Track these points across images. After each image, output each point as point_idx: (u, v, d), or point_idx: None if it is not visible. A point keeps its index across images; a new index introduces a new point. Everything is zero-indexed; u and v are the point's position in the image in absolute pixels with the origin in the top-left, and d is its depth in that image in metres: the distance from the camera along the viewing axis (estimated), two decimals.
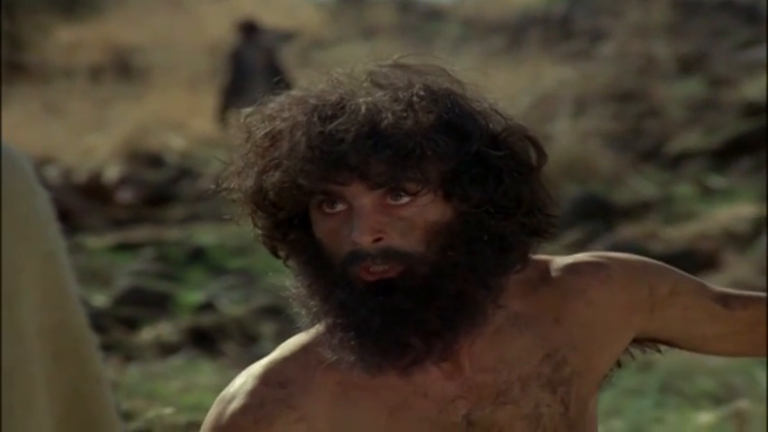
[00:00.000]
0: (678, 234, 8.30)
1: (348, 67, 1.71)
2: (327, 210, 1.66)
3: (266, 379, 1.72)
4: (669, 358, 5.02)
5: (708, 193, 9.35)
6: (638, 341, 1.80)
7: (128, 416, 4.98)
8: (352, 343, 1.65)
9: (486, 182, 1.66)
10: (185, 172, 11.45)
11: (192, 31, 16.93)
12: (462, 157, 1.65)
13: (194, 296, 7.45)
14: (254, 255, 8.21)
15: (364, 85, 1.68)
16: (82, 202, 10.03)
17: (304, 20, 17.93)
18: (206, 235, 8.91)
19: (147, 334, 6.72)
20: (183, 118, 13.02)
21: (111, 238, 9.03)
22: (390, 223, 1.65)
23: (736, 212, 8.42)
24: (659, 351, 1.82)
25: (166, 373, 6.07)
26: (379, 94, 1.66)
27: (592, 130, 10.60)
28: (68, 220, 8.97)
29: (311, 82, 1.70)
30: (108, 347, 6.17)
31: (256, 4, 17.34)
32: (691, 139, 10.61)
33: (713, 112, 11.48)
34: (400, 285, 1.64)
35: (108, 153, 11.85)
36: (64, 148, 11.80)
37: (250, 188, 1.69)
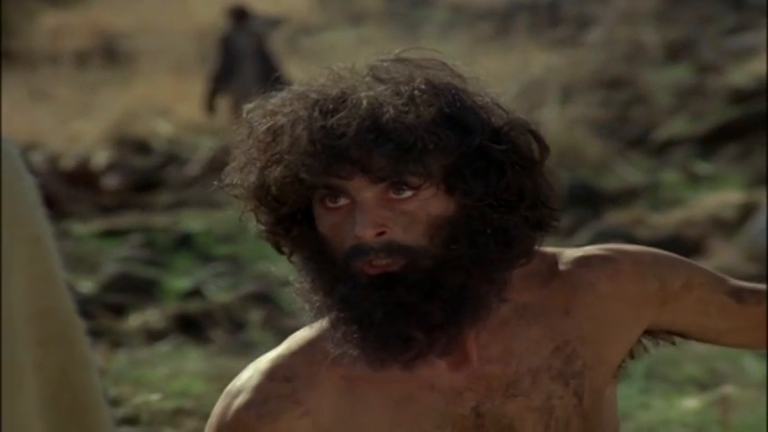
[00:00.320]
0: (665, 220, 8.32)
1: (348, 62, 1.71)
2: (330, 204, 1.67)
3: (272, 374, 1.72)
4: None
5: (694, 180, 9.37)
6: (652, 333, 1.80)
7: (115, 402, 4.98)
8: (355, 337, 1.65)
9: (489, 175, 1.66)
10: (173, 158, 11.44)
11: (179, 17, 16.89)
12: (464, 150, 1.65)
13: (181, 282, 7.45)
14: (242, 241, 8.21)
15: (366, 79, 1.68)
16: (68, 189, 10.02)
17: (291, 6, 17.90)
18: (193, 221, 8.91)
19: (135, 320, 6.72)
20: (170, 104, 13.00)
21: (98, 225, 9.02)
22: (393, 217, 1.65)
23: (723, 199, 8.44)
24: (673, 343, 1.82)
25: (153, 359, 6.07)
26: (381, 88, 1.66)
27: (579, 117, 10.61)
28: (55, 207, 8.96)
29: (312, 77, 1.70)
30: (95, 334, 6.17)
31: None
32: (678, 126, 10.62)
33: (700, 98, 11.49)
34: (403, 279, 1.65)
35: (95, 139, 11.83)
36: (50, 133, 11.78)
37: (252, 183, 1.69)
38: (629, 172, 9.61)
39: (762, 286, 1.82)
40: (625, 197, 8.96)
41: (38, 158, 10.59)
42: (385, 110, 1.64)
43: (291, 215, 1.70)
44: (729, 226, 8.01)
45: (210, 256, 8.15)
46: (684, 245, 7.62)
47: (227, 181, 1.73)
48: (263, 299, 6.90)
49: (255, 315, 6.65)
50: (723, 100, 11.13)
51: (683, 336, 1.81)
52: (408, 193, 1.65)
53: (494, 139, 1.67)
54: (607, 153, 9.97)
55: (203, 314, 6.73)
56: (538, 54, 13.30)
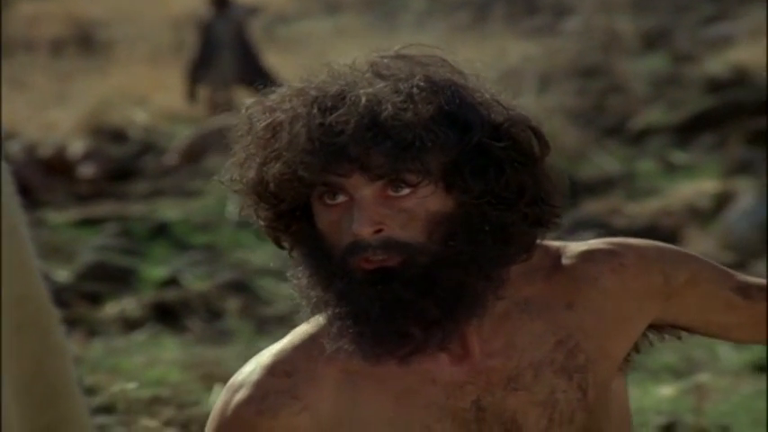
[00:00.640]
0: (641, 210, 8.34)
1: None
2: (328, 201, 1.67)
3: (273, 368, 1.73)
4: None
5: (670, 169, 9.40)
6: (658, 327, 1.79)
7: (91, 390, 4.97)
8: (351, 332, 1.66)
9: (488, 173, 1.66)
10: (149, 147, 11.40)
11: (156, 5, 16.83)
12: (463, 148, 1.65)
13: (158, 271, 7.43)
14: (219, 230, 8.20)
15: (366, 75, 1.68)
16: (44, 177, 9.98)
17: None
18: (170, 210, 8.89)
19: (111, 309, 6.70)
20: (146, 92, 12.96)
21: (74, 213, 8.99)
22: (391, 215, 1.65)
23: (699, 188, 8.46)
24: (679, 337, 1.81)
25: (130, 347, 6.06)
26: (380, 85, 1.66)
27: (556, 106, 10.62)
28: (31, 195, 8.93)
29: (312, 73, 1.70)
30: (71, 322, 6.15)
31: None
32: (654, 115, 10.65)
33: (676, 87, 11.52)
34: (400, 275, 1.65)
35: (71, 128, 11.78)
36: (26, 122, 11.72)
37: (251, 179, 1.69)
38: (605, 161, 9.63)
39: None
40: (601, 186, 8.98)
41: (14, 147, 10.54)
42: (383, 107, 1.64)
43: (290, 211, 1.71)
44: (705, 215, 8.04)
45: (187, 245, 8.13)
46: (660, 234, 7.64)
47: (227, 176, 1.72)
48: (240, 287, 6.90)
49: (232, 304, 6.65)
50: (699, 89, 11.16)
51: (689, 330, 1.81)
52: (406, 191, 1.66)
53: (493, 136, 1.67)
54: (583, 142, 9.98)
55: (180, 303, 6.72)
56: (514, 43, 13.31)
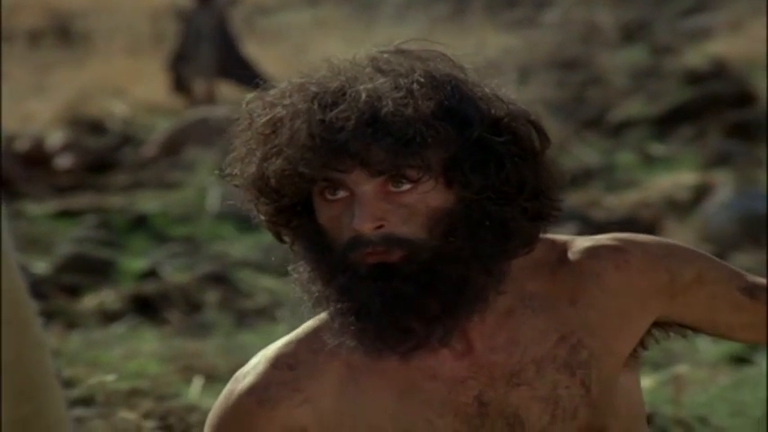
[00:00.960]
0: (620, 202, 8.36)
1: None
2: (329, 196, 1.68)
3: (277, 361, 1.75)
4: None
5: (649, 161, 9.42)
6: (664, 325, 1.79)
7: (69, 383, 4.96)
8: (353, 327, 1.67)
9: (488, 168, 1.66)
10: (128, 138, 11.38)
11: None
12: (463, 143, 1.66)
13: (137, 263, 7.42)
14: (198, 222, 8.19)
15: (366, 71, 1.68)
16: (23, 169, 9.95)
17: None
18: (149, 202, 8.86)
19: (90, 301, 6.68)
20: (125, 84, 12.92)
21: (52, 205, 8.96)
22: (392, 210, 1.66)
23: (678, 180, 8.48)
24: (685, 336, 1.81)
25: (109, 340, 6.05)
26: (381, 80, 1.67)
27: (535, 98, 10.63)
28: (9, 187, 8.90)
29: (313, 68, 1.71)
30: (50, 315, 6.14)
31: None
32: (633, 108, 10.67)
33: (656, 80, 11.55)
34: (401, 270, 1.66)
35: (49, 119, 11.75)
36: (4, 114, 11.68)
37: (252, 175, 1.70)
38: (584, 153, 9.65)
39: None
40: (580, 178, 9.00)
41: None
42: (384, 103, 1.65)
43: (291, 206, 1.71)
44: (683, 207, 8.06)
45: (166, 237, 8.11)
46: (639, 226, 7.66)
47: (228, 171, 1.73)
48: (220, 280, 6.89)
49: (212, 296, 6.64)
50: (678, 81, 11.18)
51: (695, 329, 1.80)
52: (407, 186, 1.66)
53: (493, 131, 1.67)
54: (563, 134, 10.00)
55: (159, 295, 6.71)
56: (494, 35, 13.32)
